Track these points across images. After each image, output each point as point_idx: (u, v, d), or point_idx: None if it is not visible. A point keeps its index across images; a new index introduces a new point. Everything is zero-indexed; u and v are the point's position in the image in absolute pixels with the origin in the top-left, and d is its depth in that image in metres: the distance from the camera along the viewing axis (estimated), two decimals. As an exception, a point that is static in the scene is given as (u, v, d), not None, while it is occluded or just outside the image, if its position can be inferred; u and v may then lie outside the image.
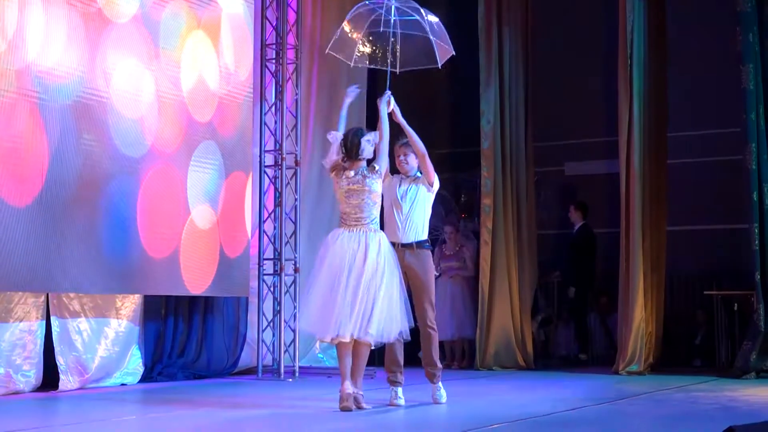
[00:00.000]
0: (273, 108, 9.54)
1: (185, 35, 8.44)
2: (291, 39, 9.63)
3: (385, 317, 6.25)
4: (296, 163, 9.47)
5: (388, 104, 6.72)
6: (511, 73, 10.36)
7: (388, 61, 6.86)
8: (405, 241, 6.80)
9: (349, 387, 6.21)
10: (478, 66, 10.26)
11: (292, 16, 9.65)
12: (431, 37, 6.83)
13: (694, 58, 11.07)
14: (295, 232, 9.43)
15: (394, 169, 6.97)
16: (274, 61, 9.56)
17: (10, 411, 6.43)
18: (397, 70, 6.92)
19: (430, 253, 6.94)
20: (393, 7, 6.81)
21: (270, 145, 9.51)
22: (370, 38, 6.95)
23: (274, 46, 9.58)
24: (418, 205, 6.87)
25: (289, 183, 9.46)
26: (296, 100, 9.59)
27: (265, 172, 9.45)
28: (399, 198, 6.84)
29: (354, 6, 6.97)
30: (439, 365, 6.86)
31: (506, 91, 10.31)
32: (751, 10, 9.02)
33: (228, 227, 8.81)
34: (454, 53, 7.02)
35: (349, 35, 6.96)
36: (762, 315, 8.87)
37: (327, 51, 7.09)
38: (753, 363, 8.80)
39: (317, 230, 9.69)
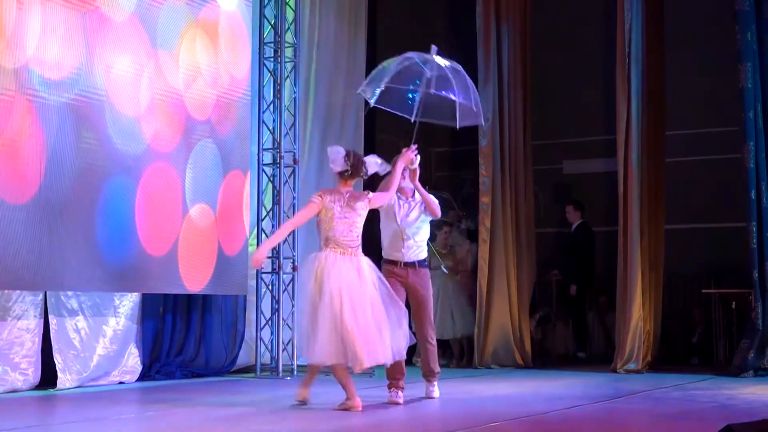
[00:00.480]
0: (271, 106, 9.53)
1: (183, 33, 8.43)
2: (289, 37, 9.62)
3: (401, 334, 6.33)
4: (294, 161, 9.47)
5: (411, 161, 6.68)
6: (509, 71, 10.36)
7: (414, 110, 6.79)
8: (408, 260, 6.95)
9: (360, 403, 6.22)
10: (477, 64, 10.25)
11: (290, 15, 9.65)
12: (457, 103, 6.77)
13: (692, 56, 11.08)
14: (293, 231, 9.42)
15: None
16: (272, 59, 9.56)
17: (8, 409, 6.44)
18: (413, 119, 6.83)
19: (428, 271, 7.12)
20: (435, 64, 6.76)
21: (268, 144, 9.51)
22: (400, 85, 6.84)
23: (272, 45, 9.57)
24: (421, 226, 7.04)
25: (287, 181, 9.45)
26: (294, 99, 9.59)
27: (263, 170, 9.45)
28: (401, 219, 6.95)
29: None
30: (437, 370, 7.06)
31: (505, 90, 10.32)
32: (750, 8, 9.02)
33: (226, 225, 8.80)
34: (482, 124, 6.97)
35: (383, 78, 6.82)
36: (760, 313, 8.88)
37: (358, 91, 7.07)
38: (751, 361, 8.80)
39: (315, 229, 9.67)
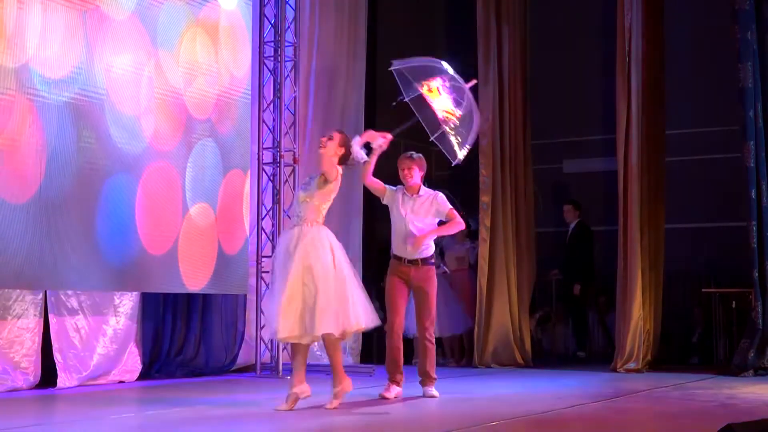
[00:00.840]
0: (271, 105, 9.54)
1: (183, 32, 8.43)
2: (289, 36, 9.63)
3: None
4: (294, 160, 9.47)
5: (375, 139, 6.58)
6: (509, 71, 10.35)
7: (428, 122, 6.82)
8: (411, 257, 6.98)
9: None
10: (477, 64, 10.25)
11: (290, 14, 9.65)
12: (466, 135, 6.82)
13: (692, 56, 11.08)
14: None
15: (397, 180, 7.02)
16: (272, 58, 9.56)
17: (8, 408, 6.43)
18: (418, 117, 6.87)
19: (434, 267, 7.13)
20: (460, 91, 6.79)
21: (268, 143, 9.51)
22: (437, 95, 6.81)
23: (272, 44, 9.57)
24: (431, 224, 7.04)
25: (287, 180, 9.46)
26: (294, 98, 9.59)
27: (263, 169, 9.45)
28: (407, 216, 6.97)
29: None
30: (434, 376, 7.05)
31: (504, 89, 10.31)
32: (750, 8, 9.02)
33: (226, 224, 8.80)
34: (453, 163, 6.94)
35: (428, 79, 6.79)
36: (760, 313, 8.88)
37: (391, 68, 6.95)
38: (751, 361, 8.80)
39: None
